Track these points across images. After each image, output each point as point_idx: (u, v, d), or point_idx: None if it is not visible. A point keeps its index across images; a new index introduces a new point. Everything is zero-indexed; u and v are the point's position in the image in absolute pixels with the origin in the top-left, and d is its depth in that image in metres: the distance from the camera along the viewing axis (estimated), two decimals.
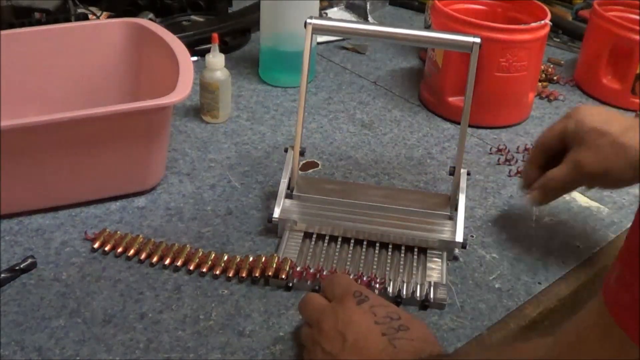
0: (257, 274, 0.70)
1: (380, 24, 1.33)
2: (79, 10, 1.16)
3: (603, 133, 0.70)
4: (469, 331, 0.67)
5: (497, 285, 0.73)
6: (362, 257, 0.74)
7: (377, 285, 0.69)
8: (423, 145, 0.98)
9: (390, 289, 0.69)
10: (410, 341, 0.56)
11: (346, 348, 0.56)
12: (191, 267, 0.71)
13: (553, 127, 0.75)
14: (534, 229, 0.82)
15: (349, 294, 0.60)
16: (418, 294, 0.69)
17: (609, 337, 0.37)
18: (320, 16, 1.11)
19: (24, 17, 1.09)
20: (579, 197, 0.88)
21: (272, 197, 0.83)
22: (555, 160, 0.74)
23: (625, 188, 0.90)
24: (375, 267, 0.73)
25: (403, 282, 0.70)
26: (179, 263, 0.71)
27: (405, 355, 0.54)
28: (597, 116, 0.72)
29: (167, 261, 0.72)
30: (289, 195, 0.80)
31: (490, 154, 0.97)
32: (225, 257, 0.72)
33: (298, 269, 0.70)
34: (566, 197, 0.88)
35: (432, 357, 0.54)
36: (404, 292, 0.69)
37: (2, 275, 0.68)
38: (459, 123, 0.96)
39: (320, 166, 0.92)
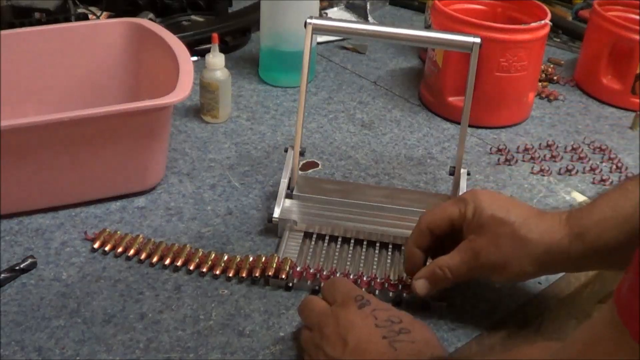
0: (257, 274, 0.70)
1: (380, 24, 1.33)
2: (79, 10, 1.16)
3: (503, 222, 0.63)
4: (469, 331, 0.67)
5: (497, 285, 0.73)
6: (362, 257, 0.74)
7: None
8: (423, 145, 0.98)
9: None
10: (411, 343, 0.56)
11: (347, 352, 0.56)
12: (191, 267, 0.71)
13: (445, 208, 0.67)
14: None
15: (350, 298, 0.60)
16: None
17: (620, 348, 0.36)
18: (320, 16, 1.11)
19: (24, 17, 1.09)
20: (579, 197, 0.88)
21: (272, 197, 0.83)
22: (441, 243, 0.68)
23: None
24: (375, 267, 0.73)
25: (404, 281, 0.70)
26: (179, 263, 0.71)
27: (406, 357, 0.54)
28: (496, 204, 0.65)
29: (167, 261, 0.72)
30: (289, 195, 0.80)
31: (491, 154, 0.97)
32: (225, 257, 0.72)
33: (298, 269, 0.70)
34: (566, 197, 0.88)
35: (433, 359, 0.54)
36: (404, 292, 0.69)
37: (2, 275, 0.68)
38: (459, 123, 0.96)
39: (320, 166, 0.92)
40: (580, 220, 0.62)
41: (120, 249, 0.73)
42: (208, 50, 0.96)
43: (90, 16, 1.17)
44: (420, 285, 0.66)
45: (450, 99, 1.04)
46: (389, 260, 0.74)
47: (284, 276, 0.69)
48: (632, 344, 0.35)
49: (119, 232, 0.75)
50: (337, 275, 0.70)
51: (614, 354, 0.37)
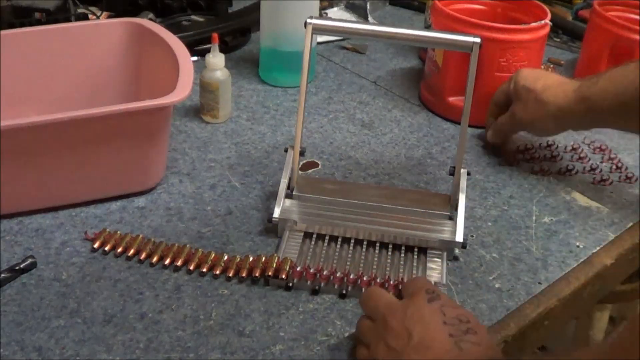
0: (257, 274, 0.70)
1: (380, 24, 1.33)
2: (79, 10, 1.16)
3: (530, 90, 0.87)
4: None
5: (497, 285, 0.73)
6: (362, 257, 0.74)
7: None
8: (423, 145, 0.98)
9: None
10: (476, 345, 0.55)
11: (411, 345, 0.55)
12: (191, 267, 0.71)
13: (501, 85, 0.93)
14: (534, 229, 0.82)
15: (421, 290, 0.60)
16: None
17: None
18: (320, 16, 1.11)
19: (24, 17, 1.09)
20: (579, 197, 0.89)
21: (272, 197, 0.83)
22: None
23: (625, 189, 0.91)
24: (375, 267, 0.73)
25: (403, 281, 0.70)
26: (179, 263, 0.71)
27: (470, 358, 0.54)
28: (528, 76, 0.88)
29: (167, 261, 0.72)
30: (289, 195, 0.80)
31: (491, 154, 0.97)
32: (225, 257, 0.72)
33: (298, 269, 0.70)
34: (566, 197, 0.88)
35: None
36: None
37: (2, 275, 0.68)
38: (459, 123, 0.96)
39: (320, 166, 0.92)
40: (587, 88, 0.83)
41: (120, 249, 0.73)
42: (208, 50, 0.96)
43: (90, 16, 1.18)
44: (489, 134, 0.94)
45: (450, 99, 1.04)
46: (389, 261, 0.74)
47: (284, 276, 0.69)
48: None
49: (119, 232, 0.75)
50: (337, 274, 0.70)
51: None
